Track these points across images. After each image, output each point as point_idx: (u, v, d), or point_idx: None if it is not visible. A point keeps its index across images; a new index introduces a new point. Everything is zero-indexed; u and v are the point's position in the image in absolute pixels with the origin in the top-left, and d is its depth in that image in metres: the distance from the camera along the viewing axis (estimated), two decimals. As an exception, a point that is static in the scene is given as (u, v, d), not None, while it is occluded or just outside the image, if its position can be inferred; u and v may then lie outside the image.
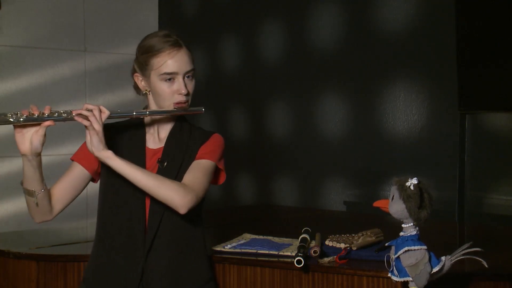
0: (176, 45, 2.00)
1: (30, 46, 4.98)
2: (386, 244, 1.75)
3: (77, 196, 2.08)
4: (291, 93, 4.71)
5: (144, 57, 2.02)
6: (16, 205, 4.66)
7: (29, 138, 1.87)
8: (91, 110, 1.88)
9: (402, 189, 1.66)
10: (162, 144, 2.07)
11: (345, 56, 4.35)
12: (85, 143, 2.01)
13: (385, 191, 4.07)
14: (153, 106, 2.06)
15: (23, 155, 1.89)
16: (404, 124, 4.02)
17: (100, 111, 1.89)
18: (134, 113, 1.98)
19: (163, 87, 2.00)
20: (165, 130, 2.09)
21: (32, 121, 1.86)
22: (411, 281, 1.69)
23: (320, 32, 4.47)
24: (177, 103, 2.01)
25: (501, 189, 3.64)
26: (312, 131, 4.55)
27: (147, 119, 2.08)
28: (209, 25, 5.34)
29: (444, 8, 3.80)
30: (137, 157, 2.03)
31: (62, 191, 2.04)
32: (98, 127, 1.86)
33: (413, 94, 3.99)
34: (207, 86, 5.27)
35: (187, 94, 2.02)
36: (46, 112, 1.87)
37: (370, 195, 4.17)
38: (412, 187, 1.65)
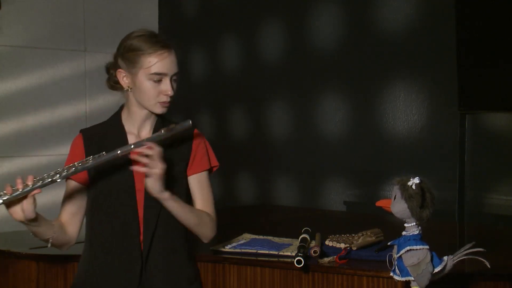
0: (167, 46, 2.02)
1: (30, 46, 4.98)
2: (389, 243, 1.74)
3: (85, 211, 2.09)
4: (291, 93, 4.71)
5: (133, 55, 2.02)
6: (16, 205, 4.65)
7: (20, 207, 1.86)
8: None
9: (404, 188, 1.66)
10: None
11: (345, 56, 4.35)
12: (68, 160, 2.04)
13: (385, 191, 4.07)
14: (132, 103, 2.06)
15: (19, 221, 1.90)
16: (404, 124, 4.02)
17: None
18: (119, 152, 1.92)
19: (150, 87, 2.00)
20: (146, 128, 2.09)
21: (18, 196, 1.83)
22: (413, 280, 1.69)
23: (320, 32, 4.47)
24: (162, 103, 2.02)
25: (501, 189, 3.64)
26: (312, 131, 4.54)
27: (125, 119, 2.09)
28: (209, 25, 5.34)
29: (444, 8, 3.80)
30: (121, 158, 2.02)
31: (70, 216, 2.06)
32: (158, 171, 1.89)
33: (413, 94, 3.99)
34: (207, 86, 5.26)
35: (171, 96, 2.03)
36: (29, 183, 1.84)
37: (370, 195, 4.17)
38: (414, 187, 1.65)
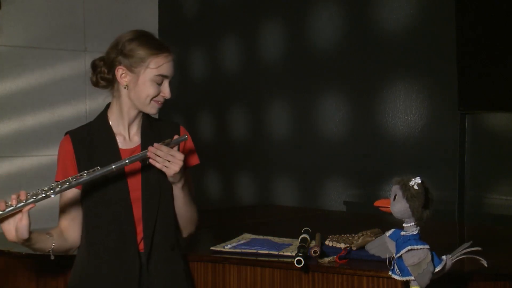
0: (170, 50, 2.08)
1: (30, 46, 4.98)
2: (387, 235, 1.75)
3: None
4: (291, 93, 4.71)
5: (141, 53, 2.02)
6: (16, 205, 4.66)
7: (14, 226, 1.84)
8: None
9: (406, 188, 1.66)
10: (135, 143, 2.09)
11: (345, 56, 4.35)
12: (60, 166, 2.04)
13: (385, 191, 4.07)
14: (125, 102, 2.07)
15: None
16: (404, 124, 4.02)
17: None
18: (113, 167, 1.94)
19: (151, 87, 2.04)
20: (133, 129, 2.11)
21: (12, 211, 1.82)
22: (413, 280, 1.69)
23: (320, 32, 4.47)
24: (157, 102, 2.07)
25: (501, 189, 3.64)
26: (312, 131, 4.54)
27: (113, 119, 2.09)
28: (209, 25, 5.34)
29: (444, 8, 3.80)
30: (113, 159, 2.02)
31: (69, 221, 2.06)
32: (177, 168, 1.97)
33: (413, 94, 3.99)
34: (207, 86, 5.26)
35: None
36: (23, 198, 1.84)
37: (370, 195, 4.17)
38: (416, 187, 1.65)
